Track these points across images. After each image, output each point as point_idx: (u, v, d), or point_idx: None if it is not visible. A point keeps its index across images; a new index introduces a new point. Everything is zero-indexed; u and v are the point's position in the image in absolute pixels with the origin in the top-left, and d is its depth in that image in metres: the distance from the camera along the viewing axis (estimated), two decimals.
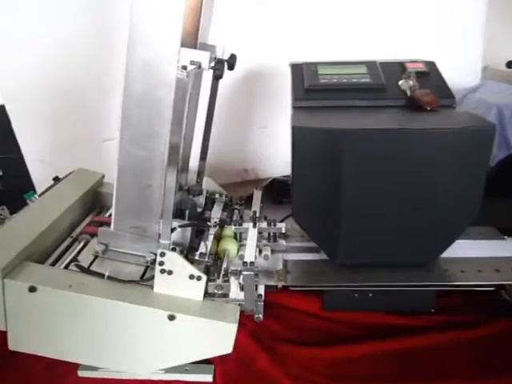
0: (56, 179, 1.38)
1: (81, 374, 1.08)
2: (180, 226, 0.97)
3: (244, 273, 0.96)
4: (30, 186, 1.60)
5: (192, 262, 1.01)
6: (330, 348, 1.14)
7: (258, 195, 1.28)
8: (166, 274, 0.96)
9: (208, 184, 1.33)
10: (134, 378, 1.06)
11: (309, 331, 1.20)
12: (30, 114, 1.55)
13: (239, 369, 1.09)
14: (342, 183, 1.01)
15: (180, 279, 0.96)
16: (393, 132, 0.98)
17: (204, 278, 0.96)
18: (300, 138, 1.01)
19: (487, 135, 0.99)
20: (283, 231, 1.17)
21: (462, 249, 1.14)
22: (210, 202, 1.29)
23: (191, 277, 0.96)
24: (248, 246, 1.05)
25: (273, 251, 1.16)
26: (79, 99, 1.57)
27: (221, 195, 1.30)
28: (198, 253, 1.01)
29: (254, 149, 1.75)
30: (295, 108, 1.17)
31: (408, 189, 1.01)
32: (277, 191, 1.84)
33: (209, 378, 1.07)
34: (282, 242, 1.17)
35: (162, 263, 0.95)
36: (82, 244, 1.13)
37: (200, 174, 1.30)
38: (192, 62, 0.87)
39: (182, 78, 0.84)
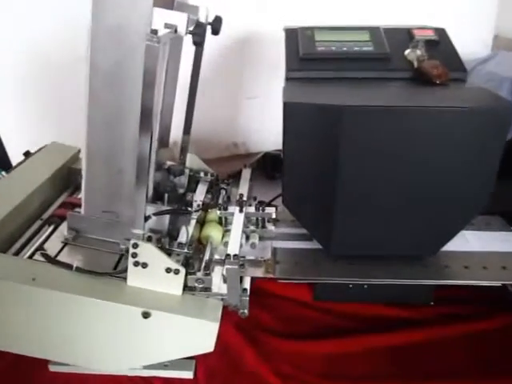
0: (27, 154, 1.26)
1: (52, 368, 1.00)
2: (155, 214, 0.87)
3: (227, 266, 0.86)
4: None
5: (170, 252, 0.91)
6: (321, 342, 1.06)
7: (246, 174, 1.17)
8: (139, 267, 0.86)
9: (192, 161, 1.21)
10: (109, 373, 0.98)
11: (299, 323, 1.12)
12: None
13: (223, 365, 1.01)
14: (338, 166, 0.90)
15: (156, 272, 0.87)
16: (397, 110, 0.86)
17: (182, 271, 0.87)
18: (292, 115, 0.89)
19: (504, 115, 0.87)
20: (273, 216, 1.07)
21: (466, 241, 1.04)
22: (194, 181, 1.18)
23: (168, 270, 0.86)
24: (233, 235, 0.94)
25: (261, 238, 1.06)
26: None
27: (206, 174, 1.19)
28: (176, 243, 0.90)
29: (244, 121, 1.62)
30: (288, 80, 1.05)
31: (412, 174, 0.91)
32: (269, 166, 1.72)
33: (189, 374, 0.99)
34: (272, 228, 1.07)
35: (135, 255, 0.85)
36: (51, 229, 1.02)
37: (183, 150, 1.18)
38: (166, 26, 0.74)
39: (151, 45, 0.71)
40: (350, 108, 0.86)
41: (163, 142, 0.99)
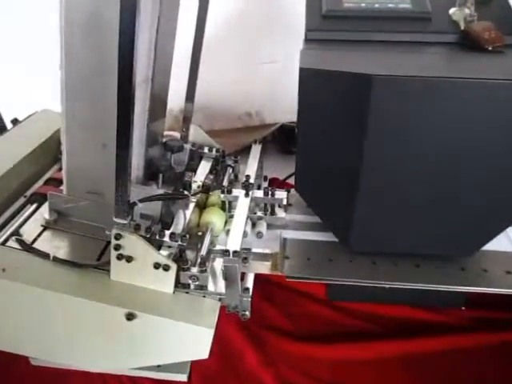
0: (14, 122, 1.14)
1: (34, 362, 0.91)
2: (141, 201, 0.73)
3: (225, 264, 0.73)
4: None
5: (161, 244, 0.78)
6: (332, 346, 0.94)
7: (255, 152, 1.02)
8: (124, 261, 0.74)
9: (196, 134, 1.07)
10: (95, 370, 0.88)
11: (309, 322, 1.00)
12: None
13: (221, 367, 0.90)
14: (362, 147, 0.74)
15: (142, 268, 0.74)
16: (437, 81, 0.69)
17: (173, 267, 0.74)
18: (309, 83, 0.74)
19: None
20: (284, 202, 0.92)
21: (510, 240, 0.88)
22: (197, 157, 1.05)
23: (156, 266, 0.74)
24: (234, 226, 0.81)
25: (269, 226, 0.92)
26: None
27: (210, 149, 1.05)
28: (167, 233, 0.77)
29: (258, 88, 1.45)
30: (308, 41, 0.88)
31: (451, 160, 0.75)
32: (286, 139, 1.57)
33: (183, 377, 0.88)
34: (282, 215, 0.93)
35: (118, 247, 0.73)
36: (32, 209, 0.91)
37: (186, 120, 1.04)
38: None
39: None
40: (379, 78, 0.69)
41: (157, 112, 0.85)
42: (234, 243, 0.75)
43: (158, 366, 0.87)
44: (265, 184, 1.07)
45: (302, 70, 0.73)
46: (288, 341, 0.95)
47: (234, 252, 0.73)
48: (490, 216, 0.80)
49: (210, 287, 0.79)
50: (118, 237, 0.72)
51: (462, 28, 0.86)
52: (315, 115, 0.77)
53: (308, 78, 0.74)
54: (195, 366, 0.90)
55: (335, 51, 0.83)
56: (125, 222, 0.71)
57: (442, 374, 0.89)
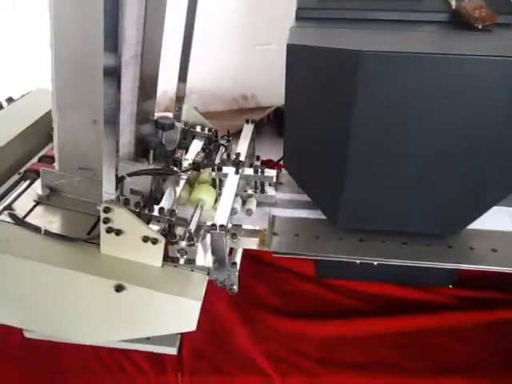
0: (9, 100, 1.14)
1: (28, 335, 0.93)
2: (129, 175, 0.74)
3: (212, 238, 0.74)
4: None
5: (150, 218, 0.79)
6: (321, 323, 0.96)
7: (247, 131, 1.03)
8: (113, 234, 0.75)
9: (189, 114, 1.07)
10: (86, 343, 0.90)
11: (299, 299, 1.01)
12: None
13: (210, 343, 0.92)
14: (350, 124, 0.75)
15: (131, 241, 0.76)
16: (424, 57, 0.69)
17: (162, 241, 0.75)
18: (296, 60, 0.75)
19: None
20: (274, 179, 0.93)
21: (496, 218, 0.88)
22: (190, 136, 1.05)
23: (145, 239, 0.75)
24: (222, 201, 0.82)
25: (260, 204, 0.93)
26: None
27: (203, 128, 1.05)
28: (157, 207, 0.78)
29: (254, 71, 1.46)
30: (299, 19, 0.88)
31: (439, 137, 0.75)
32: (281, 122, 1.57)
33: (173, 351, 0.90)
34: (272, 193, 0.94)
35: (107, 220, 0.74)
36: (25, 185, 0.92)
37: (178, 100, 1.05)
38: None
39: None
40: (367, 54, 0.69)
41: (148, 89, 0.85)
42: (220, 218, 0.76)
43: (148, 339, 0.89)
44: (257, 163, 1.07)
45: (289, 47, 0.74)
46: (278, 318, 0.96)
47: (221, 226, 0.74)
48: (476, 194, 0.81)
49: (199, 261, 0.80)
50: (106, 210, 0.73)
51: (453, 6, 0.86)
52: (303, 93, 0.78)
53: (295, 55, 0.74)
54: (185, 340, 0.91)
55: (324, 29, 0.83)
56: (112, 194, 0.72)
57: (429, 352, 0.90)
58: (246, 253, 0.91)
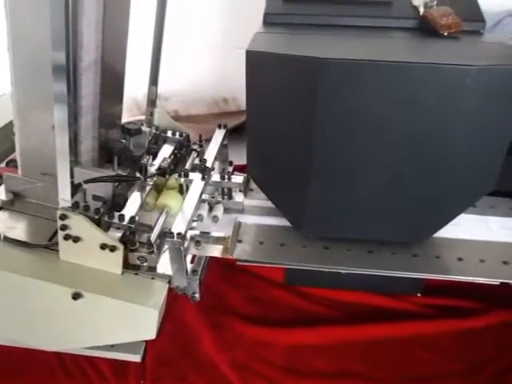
0: None
1: None
2: (85, 182, 0.73)
3: (169, 246, 0.73)
4: None
5: (110, 225, 0.79)
6: (291, 330, 0.94)
7: (218, 136, 1.02)
8: (71, 241, 0.74)
9: (161, 118, 1.06)
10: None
11: (269, 306, 1.00)
12: None
13: (176, 350, 0.91)
14: (312, 131, 0.74)
15: (90, 248, 0.75)
16: (385, 66, 0.69)
17: (120, 248, 0.75)
18: (255, 67, 0.74)
19: None
20: (242, 186, 0.92)
21: (463, 227, 0.88)
22: (162, 141, 1.04)
23: (103, 246, 0.74)
24: (184, 208, 0.81)
25: (228, 210, 0.92)
26: None
27: (174, 133, 1.04)
28: (117, 214, 0.78)
29: (235, 74, 1.44)
30: (267, 24, 0.88)
31: (402, 146, 0.74)
32: None
33: (137, 358, 0.89)
34: (240, 199, 0.93)
35: (64, 227, 0.73)
36: None
37: (150, 104, 1.04)
38: None
39: None
40: (326, 62, 0.69)
41: (112, 94, 0.84)
42: (179, 225, 0.75)
43: (112, 346, 0.88)
44: (229, 169, 1.07)
45: (248, 53, 0.73)
46: (246, 325, 0.95)
47: (178, 234, 0.73)
48: (441, 203, 0.80)
49: (160, 269, 0.79)
50: (62, 217, 0.72)
51: (421, 13, 0.85)
52: (264, 100, 0.77)
53: (255, 61, 0.74)
54: (150, 347, 0.90)
55: (290, 35, 0.83)
56: (68, 201, 0.71)
57: (396, 361, 0.90)
58: (219, 259, 0.91)
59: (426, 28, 0.84)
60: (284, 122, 0.77)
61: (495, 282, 0.81)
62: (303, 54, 0.71)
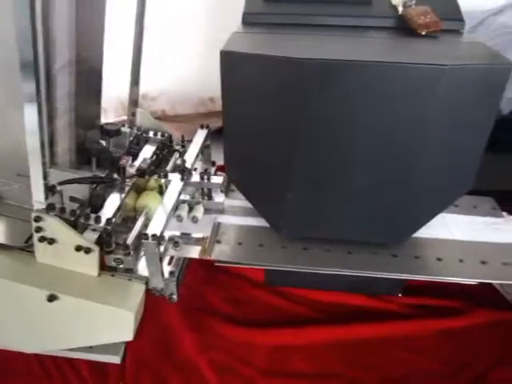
0: None
1: None
2: (60, 183, 0.73)
3: (143, 241, 0.72)
4: None
5: (86, 226, 0.78)
6: (271, 331, 0.94)
7: (200, 136, 1.01)
8: (46, 243, 0.74)
9: (143, 119, 1.06)
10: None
11: (252, 306, 1.00)
12: None
13: (156, 352, 0.90)
14: (290, 133, 0.74)
15: (65, 250, 0.74)
16: (361, 67, 0.68)
17: (95, 250, 0.74)
18: (230, 68, 0.73)
19: (498, 78, 0.70)
20: (222, 187, 0.92)
21: (443, 226, 0.88)
22: (144, 142, 1.04)
23: (78, 248, 0.74)
24: (159, 209, 0.80)
25: (208, 211, 0.92)
26: None
27: (156, 134, 1.04)
28: (93, 216, 0.77)
29: None
30: (246, 24, 0.87)
31: (381, 146, 0.74)
32: None
33: (116, 359, 0.88)
34: (220, 199, 0.93)
35: (39, 229, 0.73)
36: None
37: (132, 104, 1.04)
38: None
39: None
40: (302, 62, 0.68)
41: (88, 95, 0.84)
42: (154, 227, 0.75)
43: (91, 348, 0.88)
44: (213, 169, 1.06)
45: (222, 54, 0.72)
46: (228, 326, 0.95)
47: (153, 236, 0.72)
48: (420, 203, 0.80)
49: (140, 270, 0.79)
50: (37, 219, 0.72)
51: (400, 12, 0.85)
52: (240, 101, 0.77)
53: (230, 62, 0.73)
54: (130, 348, 0.90)
55: (267, 35, 0.82)
56: (42, 202, 0.71)
57: (376, 361, 0.89)
58: (200, 260, 0.90)
59: (404, 27, 0.83)
60: (261, 124, 0.76)
61: (473, 282, 0.81)
62: (279, 54, 0.70)
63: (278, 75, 0.70)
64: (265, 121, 0.76)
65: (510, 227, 0.90)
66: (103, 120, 0.98)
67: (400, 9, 0.85)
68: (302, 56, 0.68)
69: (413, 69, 0.66)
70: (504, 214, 0.93)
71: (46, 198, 0.72)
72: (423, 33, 0.81)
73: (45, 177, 0.70)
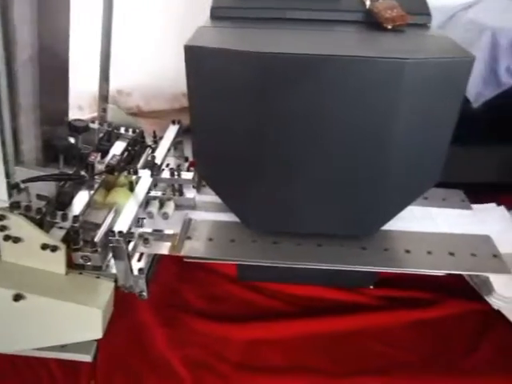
0: None
1: None
2: (24, 181, 0.72)
3: (110, 238, 0.72)
4: None
5: (53, 224, 0.77)
6: (245, 326, 0.94)
7: (171, 132, 1.01)
8: (11, 242, 0.73)
9: (114, 114, 1.05)
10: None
11: (226, 302, 1.00)
12: None
13: (129, 349, 0.90)
14: (256, 127, 0.74)
15: (31, 249, 0.73)
16: (326, 60, 0.68)
17: (62, 248, 0.73)
18: (194, 62, 0.73)
19: (460, 70, 0.70)
20: (192, 183, 0.91)
21: (413, 219, 0.89)
22: (115, 138, 1.03)
23: (44, 246, 0.73)
24: (127, 206, 0.80)
25: (179, 207, 0.92)
26: None
27: (127, 129, 1.03)
28: (59, 214, 0.76)
29: None
30: (214, 18, 0.87)
31: (347, 139, 0.74)
32: None
33: (87, 358, 0.88)
34: (191, 195, 0.92)
35: (3, 228, 0.72)
36: None
37: (102, 100, 1.03)
38: None
39: None
40: (265, 56, 0.68)
41: (54, 92, 0.83)
42: (121, 224, 0.75)
43: (63, 347, 0.87)
44: (186, 165, 1.06)
45: (186, 48, 0.72)
46: (201, 321, 0.95)
47: (119, 232, 0.72)
48: (388, 196, 0.81)
49: (108, 268, 0.78)
50: (1, 217, 0.71)
51: (367, 6, 0.85)
52: (206, 96, 0.76)
53: (194, 57, 0.73)
54: (102, 346, 0.89)
55: (234, 29, 0.82)
56: (6, 202, 0.70)
57: (351, 354, 0.90)
58: (172, 256, 0.90)
59: (371, 21, 0.84)
60: (227, 119, 0.76)
61: (442, 273, 0.82)
62: (243, 48, 0.70)
63: (243, 70, 0.70)
64: (231, 116, 0.76)
65: (478, 219, 0.91)
66: (80, 117, 0.97)
67: (367, 3, 0.85)
68: (266, 50, 0.68)
69: (375, 62, 0.67)
70: (472, 206, 0.94)
71: (10, 196, 0.71)
72: (389, 27, 0.81)
73: (8, 175, 0.69)
